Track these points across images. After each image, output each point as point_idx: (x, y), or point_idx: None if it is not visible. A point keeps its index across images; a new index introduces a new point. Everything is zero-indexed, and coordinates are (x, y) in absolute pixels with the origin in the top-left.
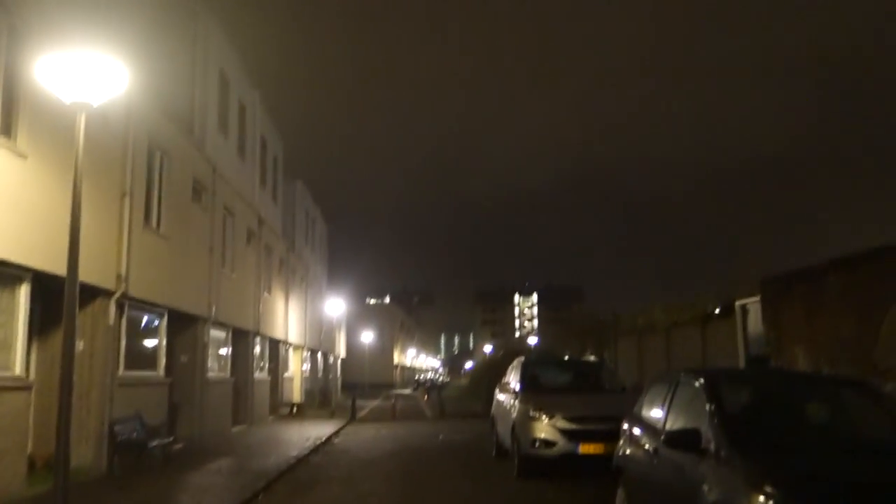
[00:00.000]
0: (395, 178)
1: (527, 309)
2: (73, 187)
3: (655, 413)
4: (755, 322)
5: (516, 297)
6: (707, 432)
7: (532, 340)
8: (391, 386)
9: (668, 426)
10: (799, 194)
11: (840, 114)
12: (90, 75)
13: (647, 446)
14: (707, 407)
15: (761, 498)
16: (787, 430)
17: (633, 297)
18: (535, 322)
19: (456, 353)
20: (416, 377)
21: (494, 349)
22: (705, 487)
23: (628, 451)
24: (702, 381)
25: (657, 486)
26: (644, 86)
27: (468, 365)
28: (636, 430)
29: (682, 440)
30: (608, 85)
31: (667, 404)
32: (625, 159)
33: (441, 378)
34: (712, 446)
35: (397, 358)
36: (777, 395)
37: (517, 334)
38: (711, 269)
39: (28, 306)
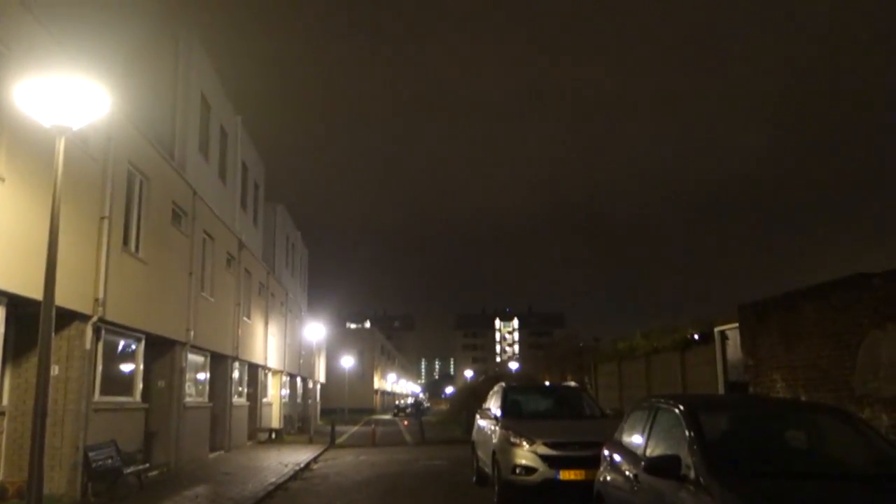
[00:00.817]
0: (377, 202)
1: (507, 334)
2: (52, 211)
3: (636, 440)
4: (734, 348)
5: (497, 323)
6: (686, 459)
7: (513, 366)
8: (371, 411)
9: (648, 453)
10: (781, 221)
11: (826, 145)
12: (70, 99)
13: (627, 473)
14: (686, 434)
15: None
16: (764, 456)
17: (614, 322)
18: (517, 347)
19: (437, 377)
20: (397, 403)
21: (475, 375)
22: None
23: (609, 478)
24: (681, 408)
25: None
26: (627, 114)
27: (449, 390)
28: (616, 457)
29: (662, 467)
30: (592, 114)
31: (647, 431)
32: (609, 186)
33: (421, 404)
34: (692, 473)
35: (377, 383)
36: (755, 421)
37: (498, 359)
38: (692, 295)
39: (2, 330)
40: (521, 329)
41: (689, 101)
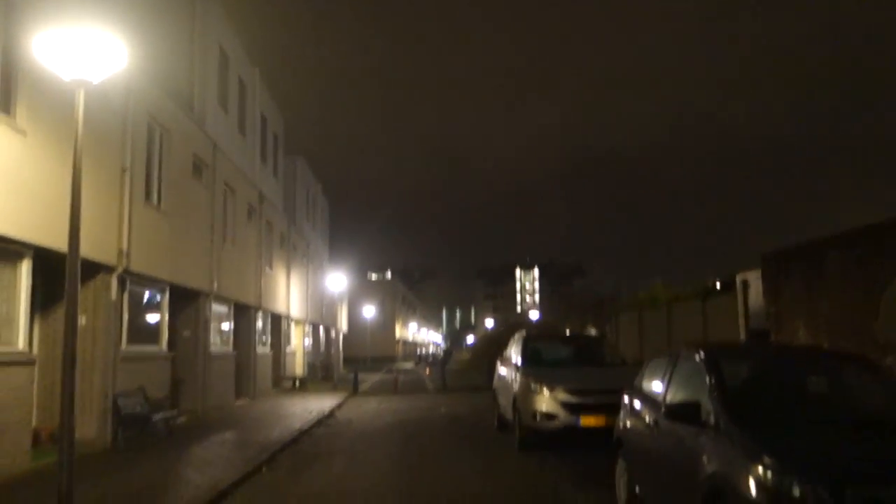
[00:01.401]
0: (399, 157)
1: (528, 284)
2: (74, 164)
3: (656, 386)
4: (756, 296)
5: (518, 272)
6: (707, 405)
7: (534, 315)
8: (393, 360)
9: (668, 399)
10: (805, 171)
11: (853, 97)
12: (89, 52)
13: (647, 419)
14: (707, 380)
15: (759, 469)
16: (785, 403)
17: (635, 273)
18: (537, 297)
19: (458, 327)
20: (418, 351)
21: (496, 324)
22: (704, 459)
23: (629, 424)
24: (702, 355)
25: (657, 458)
26: (648, 68)
27: (470, 339)
28: (636, 403)
29: (683, 413)
30: (615, 68)
31: (667, 378)
32: (630, 139)
33: (443, 352)
34: (712, 419)
35: (399, 332)
36: (777, 369)
37: (518, 309)
38: (714, 246)
39: (30, 282)
40: (541, 279)
41: (713, 51)
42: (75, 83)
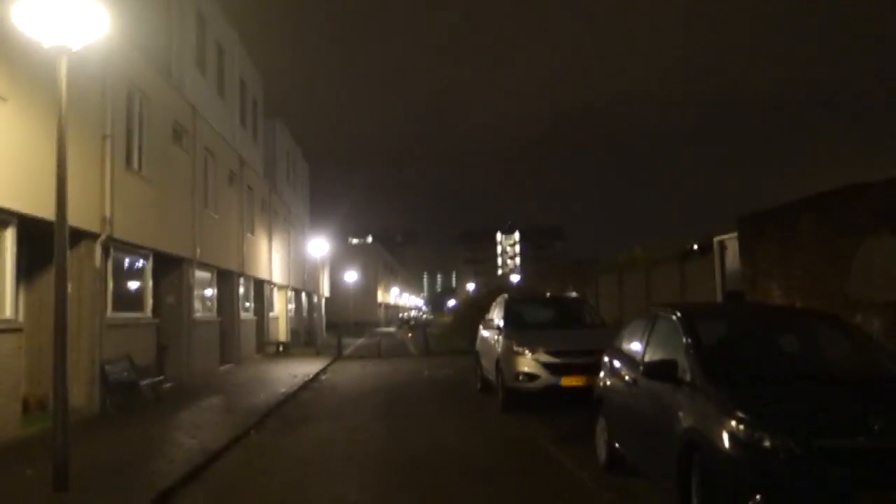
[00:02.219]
0: (378, 119)
1: (509, 247)
2: (58, 132)
3: (635, 346)
4: (733, 258)
5: (499, 237)
6: (683, 363)
7: (515, 279)
8: (376, 324)
9: (646, 358)
10: (785, 133)
11: (835, 58)
12: (70, 19)
13: (626, 377)
14: (683, 340)
15: (733, 423)
16: (758, 360)
17: (614, 236)
18: (518, 260)
19: (439, 291)
20: (401, 315)
21: (478, 287)
22: (681, 414)
23: (608, 383)
24: (679, 315)
25: (636, 414)
26: (630, 27)
27: (451, 303)
28: (616, 363)
29: (660, 371)
30: (592, 29)
31: (646, 338)
32: (609, 101)
33: (426, 316)
34: (688, 376)
35: (381, 297)
36: (750, 328)
37: (500, 273)
38: (693, 208)
39: (14, 250)
40: (522, 242)
41: (692, 15)
42: (56, 50)
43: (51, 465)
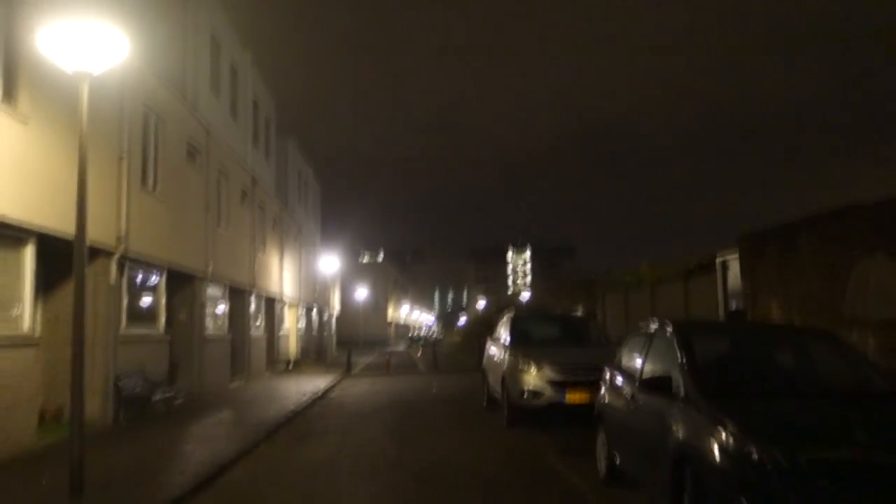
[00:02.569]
0: (388, 136)
1: (520, 266)
2: (79, 155)
3: (633, 362)
4: (734, 277)
5: (509, 255)
6: (677, 378)
7: (525, 296)
8: (385, 342)
9: (643, 373)
10: (804, 148)
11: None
12: (91, 45)
13: (625, 392)
14: (678, 355)
15: (723, 435)
16: (751, 376)
17: (623, 253)
18: (529, 278)
19: (449, 309)
20: (410, 334)
21: (487, 305)
22: (674, 427)
23: (608, 398)
24: (674, 331)
25: (633, 428)
26: (640, 45)
27: (461, 321)
28: (616, 379)
29: (656, 385)
30: (604, 45)
31: (643, 353)
32: (620, 118)
33: (434, 334)
34: (682, 390)
35: (391, 314)
36: (745, 344)
37: (510, 291)
38: (701, 226)
39: (34, 266)
40: (533, 260)
41: (702, 32)
42: (78, 76)
43: (66, 474)
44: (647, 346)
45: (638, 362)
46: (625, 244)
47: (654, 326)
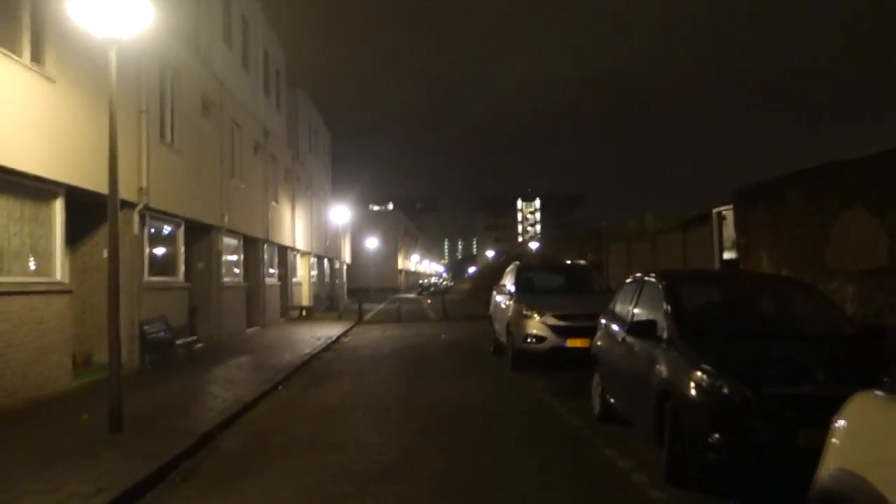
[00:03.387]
0: (400, 86)
1: (529, 214)
2: (110, 117)
3: (624, 308)
4: (730, 228)
5: (519, 203)
6: (661, 322)
7: (534, 246)
8: (396, 291)
9: (632, 318)
10: (819, 102)
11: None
12: (118, 11)
13: (617, 337)
14: (663, 301)
15: (698, 373)
16: (729, 321)
17: (631, 201)
18: (538, 227)
19: (460, 258)
20: (420, 282)
21: (496, 254)
22: (657, 367)
23: (601, 342)
24: (661, 281)
25: (623, 370)
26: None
27: (471, 270)
28: (609, 324)
29: (642, 329)
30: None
31: (634, 301)
32: (631, 69)
33: (444, 282)
34: (665, 333)
35: (401, 263)
36: (728, 292)
37: (520, 240)
38: (710, 175)
39: (63, 219)
40: (542, 210)
41: None
42: (107, 41)
43: (103, 413)
44: (637, 294)
45: (629, 309)
46: (633, 193)
47: (644, 276)
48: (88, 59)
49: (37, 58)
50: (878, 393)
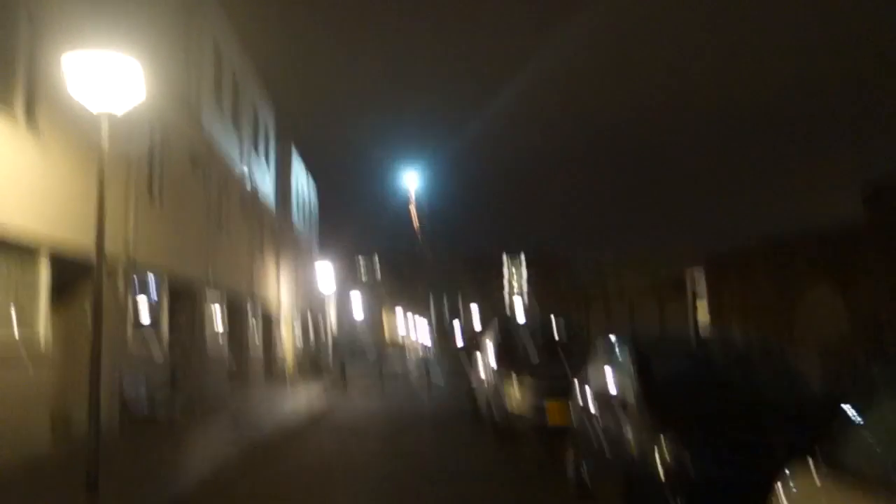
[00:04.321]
0: (386, 138)
1: (515, 271)
2: (98, 189)
3: (597, 376)
4: (701, 292)
5: (504, 260)
6: (631, 391)
7: (518, 303)
8: (380, 353)
9: (603, 389)
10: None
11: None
12: (112, 88)
13: (589, 406)
14: (632, 371)
15: (661, 437)
16: (695, 389)
17: (616, 247)
18: (524, 283)
19: (447, 316)
20: (406, 356)
21: (481, 313)
22: (628, 433)
23: (575, 412)
24: (630, 348)
25: (594, 440)
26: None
27: (457, 326)
28: (583, 393)
29: (613, 400)
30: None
31: (604, 370)
32: (621, 114)
33: (431, 351)
34: (634, 402)
35: (387, 328)
36: (696, 360)
37: (506, 296)
38: (687, 229)
39: (49, 282)
40: (528, 267)
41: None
42: (101, 116)
43: (81, 474)
44: (608, 361)
45: (601, 376)
46: (617, 239)
47: (613, 344)
48: (80, 121)
49: (29, 118)
50: (813, 462)
